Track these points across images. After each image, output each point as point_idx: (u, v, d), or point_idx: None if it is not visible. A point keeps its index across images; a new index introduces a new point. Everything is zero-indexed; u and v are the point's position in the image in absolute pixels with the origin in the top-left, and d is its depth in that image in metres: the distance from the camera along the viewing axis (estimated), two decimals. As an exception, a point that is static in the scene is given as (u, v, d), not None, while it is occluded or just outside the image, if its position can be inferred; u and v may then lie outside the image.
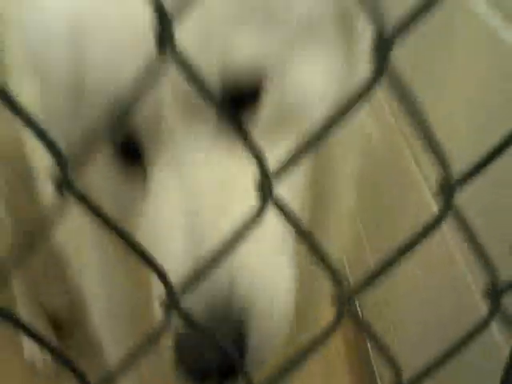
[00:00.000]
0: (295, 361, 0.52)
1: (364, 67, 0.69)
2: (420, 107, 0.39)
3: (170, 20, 0.32)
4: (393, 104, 1.55)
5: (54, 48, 0.58)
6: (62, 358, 0.41)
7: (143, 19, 0.46)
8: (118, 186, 0.64)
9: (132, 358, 0.44)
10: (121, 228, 0.39)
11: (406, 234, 0.45)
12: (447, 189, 0.44)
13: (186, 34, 0.37)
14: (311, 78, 0.59)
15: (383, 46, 0.36)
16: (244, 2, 0.47)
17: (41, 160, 0.93)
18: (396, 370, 0.54)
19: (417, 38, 0.56)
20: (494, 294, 0.50)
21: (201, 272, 0.44)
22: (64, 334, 2.00)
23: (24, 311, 1.94)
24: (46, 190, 0.89)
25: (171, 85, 0.54)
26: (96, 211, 0.37)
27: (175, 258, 0.54)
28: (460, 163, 0.46)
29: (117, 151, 0.61)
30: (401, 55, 0.41)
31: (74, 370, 0.43)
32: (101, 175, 0.64)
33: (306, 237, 0.45)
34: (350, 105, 0.39)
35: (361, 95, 0.39)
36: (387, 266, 0.46)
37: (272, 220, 0.48)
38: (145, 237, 0.59)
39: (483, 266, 0.49)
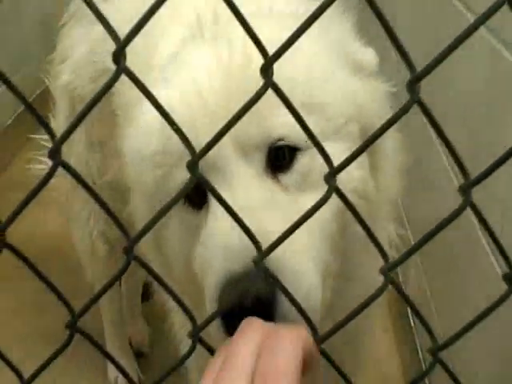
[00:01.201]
0: (344, 321, 0.65)
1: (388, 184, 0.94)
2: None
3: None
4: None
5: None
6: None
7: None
8: (186, 229, 0.86)
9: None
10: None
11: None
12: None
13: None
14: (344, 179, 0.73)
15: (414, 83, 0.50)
16: (289, 91, 0.61)
17: None
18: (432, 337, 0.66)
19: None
20: None
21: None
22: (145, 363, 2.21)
23: (111, 339, 2.14)
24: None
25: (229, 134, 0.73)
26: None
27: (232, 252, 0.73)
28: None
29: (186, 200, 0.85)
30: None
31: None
32: (175, 222, 0.87)
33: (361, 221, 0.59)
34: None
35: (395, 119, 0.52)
36: (422, 241, 0.59)
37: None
38: (207, 243, 0.81)
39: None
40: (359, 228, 0.81)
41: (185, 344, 1.19)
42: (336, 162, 0.58)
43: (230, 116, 0.58)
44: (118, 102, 1.22)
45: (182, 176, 0.81)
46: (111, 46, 1.39)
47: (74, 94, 1.49)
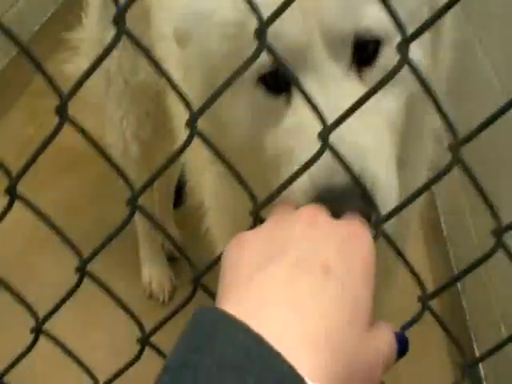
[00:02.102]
0: (406, 200, 0.64)
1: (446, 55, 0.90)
2: None
3: None
4: None
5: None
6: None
7: None
8: (258, 112, 0.80)
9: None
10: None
11: None
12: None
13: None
14: (416, 55, 0.70)
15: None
16: None
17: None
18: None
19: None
20: None
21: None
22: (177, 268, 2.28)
23: (144, 245, 2.20)
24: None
25: (319, 24, 0.73)
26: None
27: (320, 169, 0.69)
28: None
29: (261, 81, 0.79)
30: None
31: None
32: (242, 103, 0.81)
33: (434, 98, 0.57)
34: None
35: None
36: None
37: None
38: (283, 142, 0.77)
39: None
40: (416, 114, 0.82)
41: (221, 246, 1.19)
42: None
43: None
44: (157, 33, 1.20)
45: (260, 59, 0.66)
46: None
47: None
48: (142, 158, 1.81)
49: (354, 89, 0.75)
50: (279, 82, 0.78)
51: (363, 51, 0.77)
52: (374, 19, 0.75)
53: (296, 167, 0.64)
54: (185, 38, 0.84)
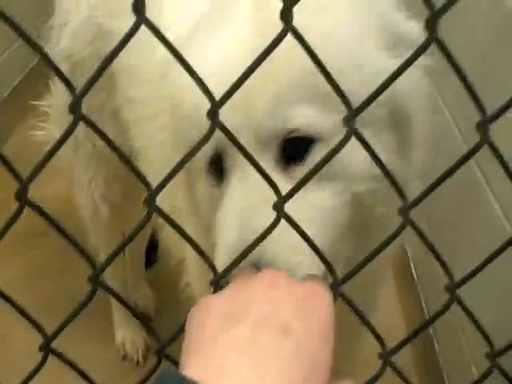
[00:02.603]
0: (362, 262, 0.67)
1: (418, 156, 0.91)
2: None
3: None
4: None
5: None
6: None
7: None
8: (212, 194, 0.87)
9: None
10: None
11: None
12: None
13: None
14: (356, 155, 0.74)
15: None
16: (309, 86, 0.62)
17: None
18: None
19: None
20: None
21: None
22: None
23: (117, 306, 2.17)
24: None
25: (247, 121, 0.79)
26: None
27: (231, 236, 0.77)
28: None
29: (210, 168, 0.86)
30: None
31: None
32: (205, 187, 0.89)
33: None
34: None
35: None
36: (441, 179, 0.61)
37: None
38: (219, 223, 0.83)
39: None
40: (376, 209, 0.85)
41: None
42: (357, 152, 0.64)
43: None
44: (120, 63, 1.22)
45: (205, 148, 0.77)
46: (111, 9, 1.39)
47: (72, 59, 1.49)
48: (112, 219, 1.83)
49: (278, 180, 0.77)
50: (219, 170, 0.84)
51: (293, 149, 0.80)
52: (304, 119, 0.78)
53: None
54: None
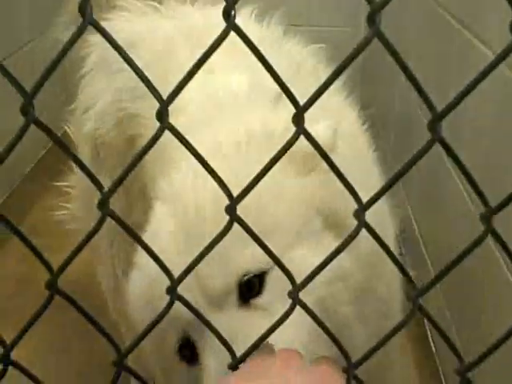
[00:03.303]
0: (375, 347, 0.69)
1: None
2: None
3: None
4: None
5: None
6: None
7: None
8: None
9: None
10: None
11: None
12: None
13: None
14: (306, 265, 0.77)
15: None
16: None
17: None
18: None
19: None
20: None
21: None
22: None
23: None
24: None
25: (196, 282, 0.85)
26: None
27: None
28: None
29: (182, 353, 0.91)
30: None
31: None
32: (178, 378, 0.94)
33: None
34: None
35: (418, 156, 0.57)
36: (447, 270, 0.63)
37: None
38: None
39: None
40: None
41: None
42: (307, 264, 0.71)
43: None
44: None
45: (173, 339, 0.90)
46: (137, 92, 1.44)
47: (98, 141, 1.54)
48: None
49: (246, 320, 0.85)
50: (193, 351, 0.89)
51: (249, 286, 0.87)
52: (253, 260, 0.85)
53: None
54: None
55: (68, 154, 0.60)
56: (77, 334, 2.38)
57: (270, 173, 0.60)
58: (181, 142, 0.57)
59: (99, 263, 1.88)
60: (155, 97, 0.55)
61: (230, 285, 0.86)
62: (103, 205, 0.60)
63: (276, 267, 0.76)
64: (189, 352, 0.89)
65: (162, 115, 0.56)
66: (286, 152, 0.59)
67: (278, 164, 0.60)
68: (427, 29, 2.54)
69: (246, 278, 0.86)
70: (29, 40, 3.20)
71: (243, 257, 0.85)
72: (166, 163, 1.17)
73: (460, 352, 0.71)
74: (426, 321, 2.18)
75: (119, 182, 0.60)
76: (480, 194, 0.62)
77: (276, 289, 0.86)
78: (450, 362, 1.93)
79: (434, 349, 2.14)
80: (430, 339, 2.16)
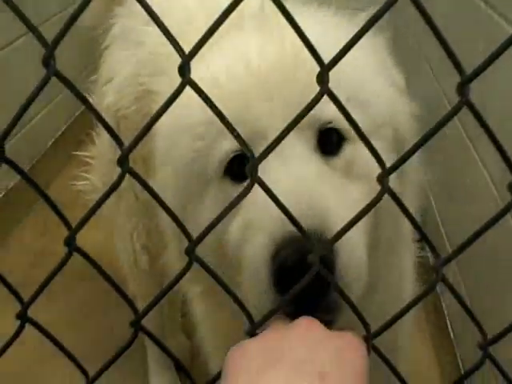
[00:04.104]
0: (396, 316, 0.68)
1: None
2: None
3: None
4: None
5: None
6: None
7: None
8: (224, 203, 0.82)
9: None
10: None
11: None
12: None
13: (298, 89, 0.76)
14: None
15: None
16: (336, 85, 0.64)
17: None
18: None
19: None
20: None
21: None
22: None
23: (152, 353, 2.19)
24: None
25: (282, 108, 0.80)
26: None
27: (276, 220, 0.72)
28: None
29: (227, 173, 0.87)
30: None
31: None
32: (210, 199, 0.88)
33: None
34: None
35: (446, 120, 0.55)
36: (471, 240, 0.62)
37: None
38: (248, 212, 0.80)
39: None
40: (386, 231, 0.88)
41: (214, 360, 1.22)
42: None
43: (283, 89, 0.72)
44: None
45: (226, 147, 0.83)
46: (153, 68, 1.43)
47: (118, 113, 1.54)
48: (152, 269, 1.86)
49: (318, 168, 0.81)
50: (243, 169, 0.79)
51: (327, 140, 0.84)
52: (336, 115, 0.78)
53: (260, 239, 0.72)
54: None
55: (90, 109, 0.59)
56: (93, 306, 2.44)
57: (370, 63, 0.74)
58: (200, 96, 0.56)
59: (118, 239, 1.88)
60: (177, 50, 0.55)
61: (313, 120, 0.82)
62: (123, 162, 0.60)
63: (355, 143, 0.83)
64: (236, 167, 0.85)
65: (184, 70, 0.55)
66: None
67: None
68: (454, 12, 2.50)
69: (328, 125, 0.84)
70: (59, 10, 3.23)
71: (332, 106, 0.81)
72: None
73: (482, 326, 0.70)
74: (444, 307, 2.17)
75: (139, 138, 0.59)
76: (508, 161, 0.60)
77: (350, 162, 0.84)
78: (469, 348, 1.92)
79: (452, 335, 2.12)
80: (449, 325, 2.14)
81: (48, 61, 0.55)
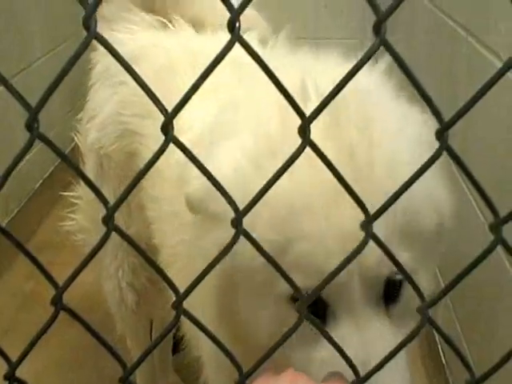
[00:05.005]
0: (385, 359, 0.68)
1: None
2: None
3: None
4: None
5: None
6: None
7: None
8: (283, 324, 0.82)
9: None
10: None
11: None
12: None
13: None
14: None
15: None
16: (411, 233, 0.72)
17: None
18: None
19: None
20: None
21: None
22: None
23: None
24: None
25: (359, 267, 0.80)
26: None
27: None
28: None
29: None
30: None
31: None
32: (269, 313, 0.87)
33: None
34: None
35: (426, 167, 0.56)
36: (457, 280, 0.62)
37: None
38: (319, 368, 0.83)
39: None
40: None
41: None
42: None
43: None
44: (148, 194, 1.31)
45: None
46: (137, 109, 1.44)
47: (100, 152, 1.55)
48: (139, 307, 1.85)
49: (383, 326, 0.84)
50: (316, 306, 0.84)
51: (392, 289, 0.85)
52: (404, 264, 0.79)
53: None
54: None
55: (73, 168, 0.59)
56: (85, 349, 2.41)
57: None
58: (186, 156, 0.56)
59: (105, 279, 1.88)
60: (159, 109, 0.55)
61: (382, 273, 0.83)
62: (108, 221, 0.60)
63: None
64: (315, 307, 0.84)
65: (167, 128, 0.55)
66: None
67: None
68: (435, 39, 2.53)
69: (397, 277, 0.84)
70: (39, 56, 3.24)
71: (402, 254, 0.82)
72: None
73: (470, 364, 0.69)
74: (436, 333, 2.17)
75: (123, 199, 0.59)
76: (489, 203, 0.61)
77: (409, 302, 0.86)
78: (461, 375, 1.91)
79: (444, 361, 2.12)
80: (441, 352, 2.14)
81: (31, 125, 0.55)
